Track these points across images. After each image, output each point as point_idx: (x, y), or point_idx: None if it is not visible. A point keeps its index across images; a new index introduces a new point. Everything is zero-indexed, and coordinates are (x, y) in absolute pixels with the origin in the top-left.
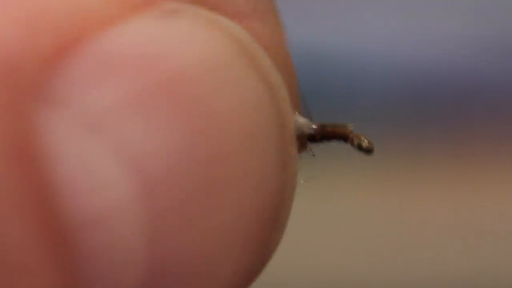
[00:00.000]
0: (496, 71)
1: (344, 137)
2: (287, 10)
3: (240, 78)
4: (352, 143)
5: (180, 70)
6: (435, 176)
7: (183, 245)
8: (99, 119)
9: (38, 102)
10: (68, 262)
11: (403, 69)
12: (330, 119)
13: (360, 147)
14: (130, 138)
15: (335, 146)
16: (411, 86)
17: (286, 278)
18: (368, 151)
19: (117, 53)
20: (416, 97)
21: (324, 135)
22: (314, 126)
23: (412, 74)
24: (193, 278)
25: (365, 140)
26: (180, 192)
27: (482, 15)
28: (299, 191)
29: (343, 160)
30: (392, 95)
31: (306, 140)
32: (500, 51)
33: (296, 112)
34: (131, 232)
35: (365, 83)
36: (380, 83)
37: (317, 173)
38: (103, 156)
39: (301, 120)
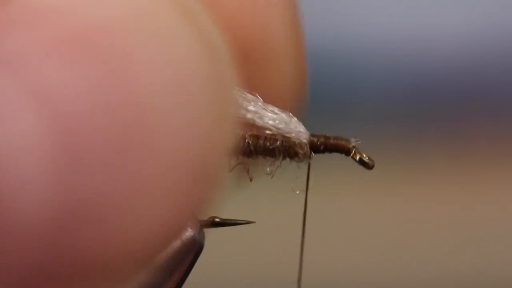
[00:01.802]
0: (496, 71)
1: (346, 151)
2: None
3: (168, 31)
4: (354, 158)
5: (100, 20)
6: (435, 175)
7: (97, 188)
8: (12, 57)
9: None
10: None
11: (403, 68)
12: (330, 119)
13: (361, 162)
14: (44, 77)
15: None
16: (411, 86)
17: (286, 278)
18: (369, 167)
19: (41, 2)
20: (416, 97)
21: (327, 147)
22: (312, 138)
23: (412, 74)
24: (106, 223)
25: (367, 156)
26: (94, 134)
27: (482, 15)
28: (300, 193)
29: (343, 160)
30: (392, 94)
31: (308, 149)
32: (500, 51)
33: (297, 120)
34: (37, 165)
35: (365, 82)
36: (381, 82)
37: (318, 173)
38: (11, 90)
39: (301, 129)
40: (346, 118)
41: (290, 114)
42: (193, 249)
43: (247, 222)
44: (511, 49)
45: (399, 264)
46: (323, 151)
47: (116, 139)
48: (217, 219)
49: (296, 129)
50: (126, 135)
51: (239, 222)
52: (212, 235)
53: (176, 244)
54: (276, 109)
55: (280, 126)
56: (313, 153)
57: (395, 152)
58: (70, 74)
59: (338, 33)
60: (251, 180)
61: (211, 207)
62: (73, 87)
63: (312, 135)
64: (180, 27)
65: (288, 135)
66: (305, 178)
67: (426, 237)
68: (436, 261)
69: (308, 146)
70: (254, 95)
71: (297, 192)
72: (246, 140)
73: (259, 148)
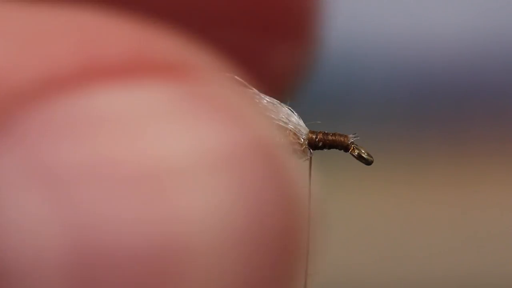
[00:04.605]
0: (496, 71)
1: (345, 147)
2: None
3: (247, 188)
4: (352, 154)
5: (159, 161)
6: (435, 175)
7: None
8: (53, 173)
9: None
10: None
11: (403, 68)
12: (330, 119)
13: (360, 158)
14: (79, 204)
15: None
16: (411, 85)
17: None
18: (367, 162)
19: (92, 116)
20: (416, 97)
21: (325, 143)
22: (311, 135)
23: (412, 74)
24: None
25: (365, 152)
26: (118, 277)
27: (482, 15)
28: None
29: (343, 160)
30: (392, 94)
31: (307, 146)
32: (500, 51)
33: (296, 115)
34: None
35: (365, 82)
36: (381, 82)
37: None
38: (43, 211)
39: (300, 125)
40: (346, 118)
41: (290, 109)
42: None
43: None
44: (511, 49)
45: (399, 264)
46: (322, 148)
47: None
48: None
49: (295, 125)
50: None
51: None
52: None
53: None
54: (275, 101)
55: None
56: (311, 150)
57: (395, 152)
58: (111, 210)
59: (338, 33)
60: None
61: None
62: (114, 229)
63: (311, 131)
64: (263, 183)
65: (286, 132)
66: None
67: (426, 237)
68: (435, 261)
69: (306, 142)
70: (250, 87)
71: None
72: None
73: None
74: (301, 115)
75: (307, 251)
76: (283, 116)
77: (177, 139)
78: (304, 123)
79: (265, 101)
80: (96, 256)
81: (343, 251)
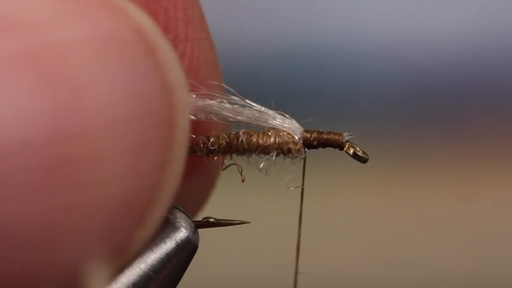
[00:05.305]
0: (496, 71)
1: (339, 145)
2: (288, 9)
3: (127, 67)
4: (347, 152)
5: (54, 43)
6: (434, 175)
7: (24, 213)
8: None
9: None
10: None
11: (403, 68)
12: (330, 119)
13: (355, 156)
14: None
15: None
16: (411, 85)
17: (286, 278)
18: (363, 160)
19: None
20: (416, 97)
21: (320, 142)
22: (305, 134)
23: (412, 74)
24: (32, 251)
25: (360, 150)
26: (26, 164)
27: (482, 15)
28: (297, 191)
29: (343, 160)
30: (393, 94)
31: (301, 145)
32: (500, 51)
33: (291, 118)
34: None
35: (365, 82)
36: (381, 82)
37: (317, 174)
38: None
39: (295, 125)
40: (346, 118)
41: (281, 113)
42: (188, 249)
43: (242, 222)
44: (511, 49)
45: (397, 264)
46: (317, 147)
47: (56, 171)
48: (211, 219)
49: (289, 125)
50: (69, 163)
51: (233, 222)
52: (206, 235)
53: (171, 244)
54: (261, 107)
55: (271, 122)
56: (306, 149)
57: (395, 152)
58: (12, 100)
59: (338, 33)
60: (243, 181)
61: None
62: (17, 115)
63: (305, 130)
64: (142, 63)
65: (281, 132)
66: (301, 177)
67: (425, 237)
68: (435, 260)
69: (301, 141)
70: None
71: (291, 188)
72: (240, 138)
73: (253, 146)
74: (301, 115)
75: (297, 250)
76: (276, 118)
77: (65, 26)
78: (298, 122)
79: (255, 107)
80: None
81: (340, 250)
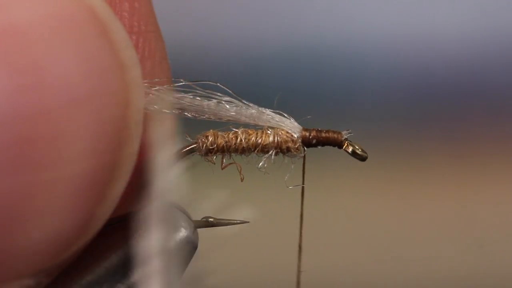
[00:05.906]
0: (496, 71)
1: (338, 144)
2: (288, 9)
3: (82, 45)
4: (346, 150)
5: (11, 24)
6: (434, 175)
7: None
8: None
9: None
10: None
11: (403, 68)
12: (330, 118)
13: (354, 154)
14: None
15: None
16: (411, 85)
17: (287, 277)
18: (362, 158)
19: None
20: (416, 97)
21: (319, 140)
22: (304, 132)
23: (412, 74)
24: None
25: (359, 148)
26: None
27: (482, 15)
28: (297, 190)
29: (343, 160)
30: (392, 94)
31: (300, 143)
32: (500, 51)
33: (290, 118)
34: None
35: (365, 82)
36: (380, 82)
37: (317, 174)
38: None
39: (294, 124)
40: (346, 118)
41: (280, 112)
42: (187, 249)
43: (241, 222)
44: (511, 49)
45: (397, 264)
46: (316, 145)
47: (17, 150)
48: (211, 219)
49: (288, 124)
50: (29, 143)
51: (233, 222)
52: (206, 235)
53: (170, 244)
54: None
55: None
56: (305, 148)
57: (395, 152)
58: None
59: (338, 33)
60: (242, 180)
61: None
62: None
63: (304, 129)
64: (96, 41)
65: (280, 130)
66: (300, 176)
67: (425, 237)
68: (435, 260)
69: (300, 140)
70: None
71: (290, 187)
72: (239, 137)
73: (252, 145)
74: (301, 115)
75: (299, 248)
76: (275, 118)
77: (22, 7)
78: (297, 121)
79: (253, 109)
80: None
81: (340, 249)
